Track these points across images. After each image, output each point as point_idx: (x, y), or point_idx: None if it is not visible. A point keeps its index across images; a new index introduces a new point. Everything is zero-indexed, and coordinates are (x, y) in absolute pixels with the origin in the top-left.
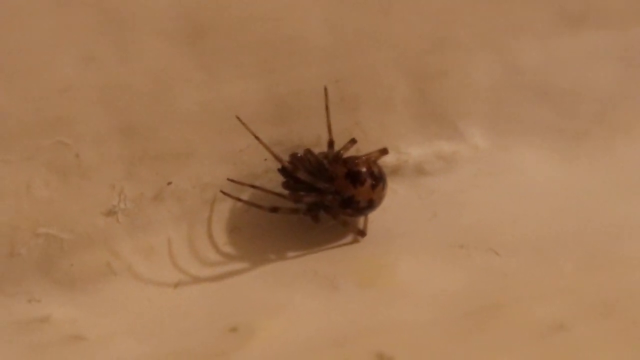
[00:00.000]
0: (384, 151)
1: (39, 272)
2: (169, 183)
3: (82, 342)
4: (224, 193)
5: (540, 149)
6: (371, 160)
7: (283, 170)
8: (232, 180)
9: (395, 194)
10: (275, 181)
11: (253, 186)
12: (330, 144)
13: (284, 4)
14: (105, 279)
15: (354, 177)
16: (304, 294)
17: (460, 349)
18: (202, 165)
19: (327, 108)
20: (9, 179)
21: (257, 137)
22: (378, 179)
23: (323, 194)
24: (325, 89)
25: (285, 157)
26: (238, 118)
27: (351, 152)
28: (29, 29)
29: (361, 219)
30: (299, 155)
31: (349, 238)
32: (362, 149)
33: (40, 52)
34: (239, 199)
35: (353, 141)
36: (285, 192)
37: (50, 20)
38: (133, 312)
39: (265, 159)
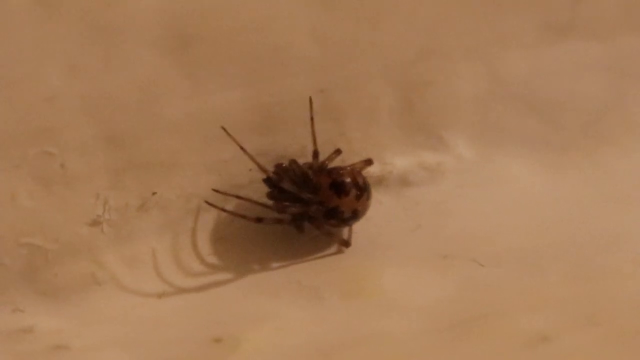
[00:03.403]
0: (368, 162)
1: (23, 282)
2: (154, 193)
3: (66, 352)
4: (209, 203)
5: (525, 160)
6: (356, 171)
7: (268, 181)
8: (217, 191)
9: (379, 204)
10: (260, 191)
11: (238, 196)
12: (315, 154)
13: (270, 14)
14: (90, 289)
15: (339, 188)
16: (288, 304)
17: None
18: (187, 175)
19: (312, 118)
20: None
21: (242, 148)
22: (362, 190)
23: (307, 204)
24: (310, 99)
25: (270, 168)
26: (223, 128)
27: (336, 163)
28: (14, 38)
29: (345, 230)
30: (284, 165)
31: (334, 248)
32: (347, 159)
33: (25, 61)
34: (224, 210)
35: (338, 152)
36: (270, 202)
37: (35, 30)
38: (117, 322)
39: (250, 169)
